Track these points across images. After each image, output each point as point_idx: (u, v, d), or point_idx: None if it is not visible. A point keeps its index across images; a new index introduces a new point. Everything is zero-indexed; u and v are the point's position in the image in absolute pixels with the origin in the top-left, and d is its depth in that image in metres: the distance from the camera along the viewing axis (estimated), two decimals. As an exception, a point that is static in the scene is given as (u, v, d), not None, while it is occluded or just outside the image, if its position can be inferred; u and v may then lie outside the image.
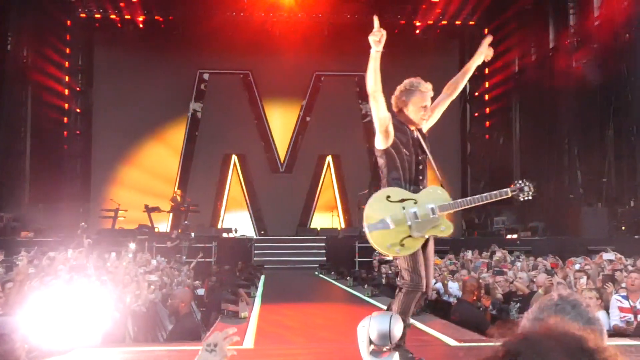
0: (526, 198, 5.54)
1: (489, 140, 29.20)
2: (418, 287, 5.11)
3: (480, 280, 10.05)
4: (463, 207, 5.51)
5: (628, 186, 21.21)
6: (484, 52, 5.59)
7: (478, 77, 29.34)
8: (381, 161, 5.22)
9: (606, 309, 7.81)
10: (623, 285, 8.26)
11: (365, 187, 25.85)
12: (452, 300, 10.61)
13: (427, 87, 5.45)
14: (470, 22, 28.72)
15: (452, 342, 6.45)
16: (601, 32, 22.59)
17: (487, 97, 29.29)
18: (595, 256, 13.39)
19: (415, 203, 5.12)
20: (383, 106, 5.08)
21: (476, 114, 29.52)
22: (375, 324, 4.70)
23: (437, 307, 10.20)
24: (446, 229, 5.25)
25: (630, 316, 7.57)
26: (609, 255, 13.44)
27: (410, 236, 5.04)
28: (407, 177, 5.17)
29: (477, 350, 5.78)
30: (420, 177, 5.23)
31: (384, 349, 4.66)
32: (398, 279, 5.33)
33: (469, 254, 16.41)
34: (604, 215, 21.14)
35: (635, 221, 20.54)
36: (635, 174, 20.99)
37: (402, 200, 5.09)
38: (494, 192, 5.47)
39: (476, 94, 29.45)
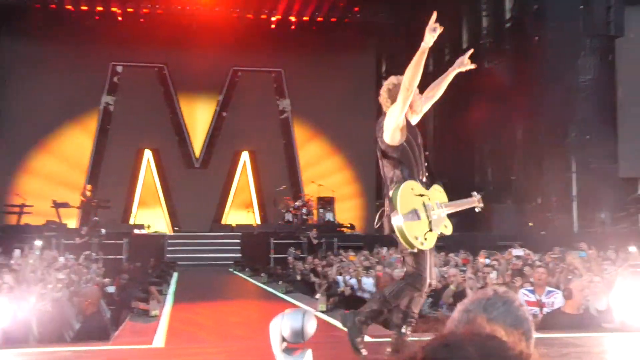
0: (478, 210, 5.65)
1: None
2: (420, 286, 5.11)
3: (395, 276, 10.13)
4: (453, 210, 5.46)
5: (536, 184, 21.92)
6: (462, 64, 5.63)
7: (394, 74, 29.78)
8: (394, 156, 5.17)
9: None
10: (532, 280, 8.48)
11: (281, 183, 25.84)
12: (367, 296, 10.65)
13: None
14: (388, 21, 29.03)
15: (366, 338, 6.44)
16: (512, 34, 23.27)
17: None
18: (505, 252, 13.75)
19: (429, 199, 5.14)
20: (408, 105, 5.04)
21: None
22: (288, 321, 4.60)
23: (351, 303, 10.20)
24: (449, 227, 5.26)
25: (536, 309, 7.78)
26: (518, 251, 13.84)
27: (430, 230, 5.05)
28: (417, 172, 5.19)
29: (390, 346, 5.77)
30: (427, 174, 5.26)
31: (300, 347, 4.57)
32: (404, 268, 5.33)
33: (384, 250, 16.56)
34: (512, 212, 21.78)
35: (542, 218, 21.25)
36: (543, 173, 21.72)
37: (421, 195, 5.10)
38: (463, 199, 5.63)
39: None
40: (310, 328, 4.59)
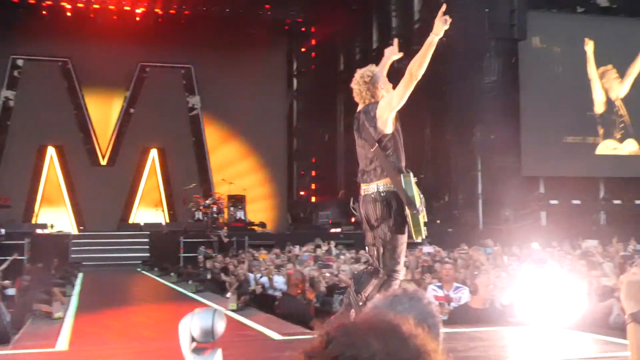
0: None
1: (315, 136, 29.74)
2: (397, 278, 5.18)
3: (306, 274, 10.11)
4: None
5: (444, 182, 22.42)
6: (393, 52, 5.79)
7: (305, 73, 29.84)
8: (388, 145, 5.25)
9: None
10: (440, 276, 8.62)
11: (191, 181, 25.44)
12: (278, 294, 10.59)
13: None
14: (299, 19, 29.04)
15: (276, 336, 6.40)
16: (421, 34, 23.70)
17: (313, 94, 29.81)
18: (415, 249, 13.97)
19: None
20: (411, 91, 5.08)
21: (303, 110, 29.96)
22: (198, 321, 4.47)
23: (262, 302, 10.13)
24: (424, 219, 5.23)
25: (444, 304, 7.93)
26: (428, 248, 14.10)
27: (425, 221, 5.14)
28: (404, 160, 5.31)
29: (300, 343, 5.72)
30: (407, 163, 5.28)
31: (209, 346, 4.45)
32: (378, 263, 5.21)
33: (296, 249, 16.56)
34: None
35: (449, 215, 21.75)
36: (450, 171, 22.25)
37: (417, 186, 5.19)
38: None
39: (303, 90, 29.90)
40: (220, 327, 4.49)
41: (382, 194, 5.18)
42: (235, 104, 27.33)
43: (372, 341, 1.13)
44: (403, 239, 5.15)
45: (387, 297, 1.93)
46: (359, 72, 5.57)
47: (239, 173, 27.03)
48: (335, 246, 17.03)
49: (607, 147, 24.19)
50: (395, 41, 5.95)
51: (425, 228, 5.13)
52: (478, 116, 21.29)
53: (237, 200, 24.64)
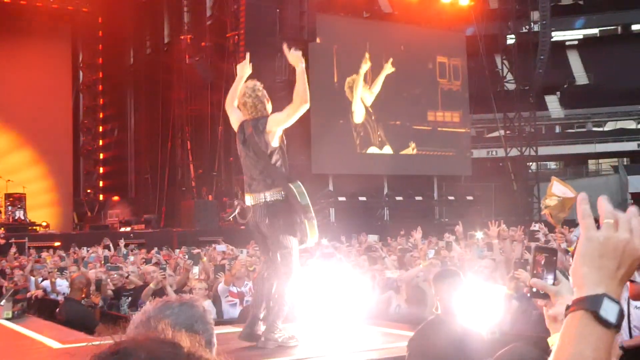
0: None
1: (104, 131, 28.55)
2: (294, 279, 5.57)
3: (92, 277, 9.61)
4: None
5: (236, 180, 22.49)
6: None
7: (91, 65, 28.52)
8: (276, 157, 5.59)
9: (215, 297, 8.03)
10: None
11: None
12: (60, 298, 9.97)
13: None
14: (84, 9, 27.65)
15: (56, 345, 5.97)
16: (212, 31, 23.59)
17: (101, 87, 28.58)
18: (208, 247, 13.85)
19: None
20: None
21: (89, 105, 28.60)
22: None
23: (43, 308, 9.47)
24: None
25: (237, 301, 7.92)
26: (221, 247, 14.07)
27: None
28: (289, 171, 5.72)
29: (83, 350, 5.39)
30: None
31: None
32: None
33: (83, 250, 15.72)
34: (214, 207, 22.09)
35: (241, 212, 21.81)
36: (240, 168, 22.35)
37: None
38: None
39: (89, 83, 28.54)
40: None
41: (269, 203, 5.53)
42: (15, 98, 25.39)
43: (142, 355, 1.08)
44: (294, 243, 5.52)
45: (158, 303, 1.90)
46: (249, 84, 5.88)
47: (17, 170, 25.13)
48: (126, 246, 16.42)
49: (369, 150, 25.57)
50: (247, 55, 6.26)
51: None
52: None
53: (16, 199, 22.93)
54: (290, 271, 5.54)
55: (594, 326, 1.15)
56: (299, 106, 5.48)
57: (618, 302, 1.17)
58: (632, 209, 1.24)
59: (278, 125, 5.58)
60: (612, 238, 1.20)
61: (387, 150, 26.03)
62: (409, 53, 26.21)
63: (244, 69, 6.05)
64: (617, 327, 1.16)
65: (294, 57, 5.52)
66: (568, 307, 1.20)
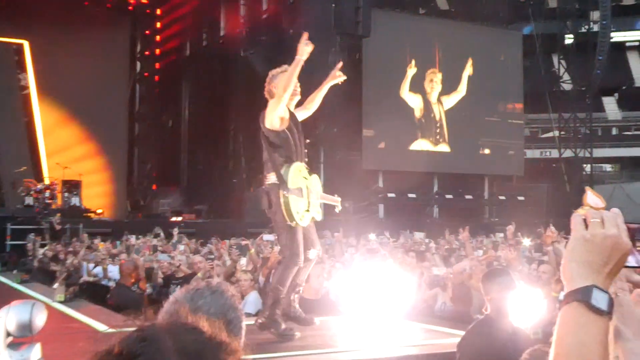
0: (338, 210, 6.39)
1: (158, 122, 29.02)
2: (296, 263, 5.56)
3: (141, 263, 9.81)
4: (324, 201, 6.12)
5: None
6: (334, 77, 6.24)
7: (149, 57, 29.00)
8: (275, 141, 5.64)
9: (260, 289, 8.10)
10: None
11: (21, 164, 23.99)
12: (112, 284, 10.21)
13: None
14: (143, 1, 28.16)
15: (102, 327, 6.13)
16: (269, 25, 23.73)
17: (157, 78, 29.04)
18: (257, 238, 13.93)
19: (310, 184, 5.71)
20: (286, 101, 5.65)
21: (146, 95, 29.09)
22: (14, 314, 4.19)
23: (95, 292, 9.71)
24: (320, 214, 5.84)
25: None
26: (268, 237, 14.11)
27: (307, 211, 5.59)
28: (297, 157, 5.67)
29: (118, 335, 5.50)
30: (306, 159, 5.78)
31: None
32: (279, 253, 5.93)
33: (132, 238, 16.01)
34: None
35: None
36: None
37: (305, 178, 5.67)
38: (328, 195, 6.29)
39: (146, 74, 29.02)
40: (40, 321, 4.21)
41: (266, 188, 5.63)
42: (74, 85, 25.99)
43: (168, 346, 1.09)
44: (289, 229, 5.53)
45: (189, 290, 1.92)
46: (271, 71, 6.02)
47: (75, 157, 25.76)
48: (177, 235, 16.66)
49: (421, 146, 25.49)
50: (339, 64, 6.47)
51: (304, 216, 5.57)
52: (322, 110, 21.56)
53: (72, 186, 23.46)
54: (288, 257, 5.59)
55: (588, 315, 1.21)
56: (278, 99, 5.61)
57: (607, 292, 1.24)
58: (615, 209, 1.35)
59: (269, 113, 5.67)
60: (599, 235, 1.28)
61: (440, 148, 25.87)
62: (457, 50, 25.97)
63: (333, 78, 6.23)
64: (609, 314, 1.23)
65: (303, 49, 5.65)
66: (561, 302, 1.26)
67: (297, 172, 5.59)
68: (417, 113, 25.37)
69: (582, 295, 1.23)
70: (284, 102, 5.58)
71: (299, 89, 5.89)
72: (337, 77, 6.24)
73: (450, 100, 26.07)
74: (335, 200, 6.28)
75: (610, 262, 1.27)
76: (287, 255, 5.63)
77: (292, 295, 5.77)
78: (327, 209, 6.59)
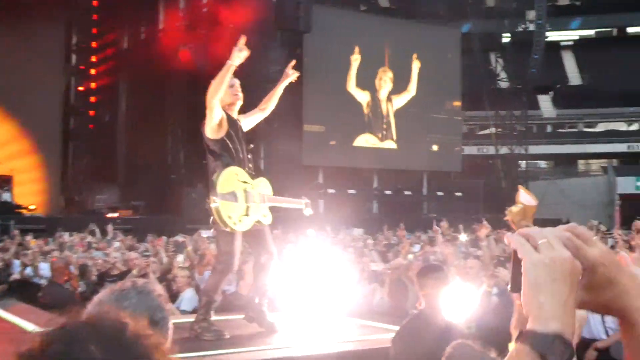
0: (308, 214, 6.19)
1: (94, 116, 28.39)
2: (229, 269, 5.59)
3: (74, 260, 9.58)
4: (277, 204, 6.00)
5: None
6: (287, 75, 6.25)
7: (85, 49, 28.33)
8: (215, 149, 5.58)
9: (197, 287, 8.00)
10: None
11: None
12: (43, 282, 9.93)
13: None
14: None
15: (32, 327, 5.93)
16: (208, 19, 23.49)
17: (93, 71, 28.39)
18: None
19: (253, 188, 5.60)
20: (219, 110, 5.48)
21: (81, 88, 28.39)
22: None
23: (26, 291, 9.42)
24: (268, 217, 5.72)
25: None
26: (207, 233, 13.96)
27: (246, 215, 5.48)
28: (238, 164, 5.59)
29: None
30: (250, 164, 5.72)
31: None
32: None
33: (66, 235, 15.62)
34: (203, 195, 21.99)
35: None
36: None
37: (245, 182, 5.56)
38: (292, 199, 6.34)
39: (82, 67, 28.32)
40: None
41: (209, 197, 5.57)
42: (5, 79, 25.15)
43: (92, 347, 1.05)
44: (226, 234, 5.48)
45: (114, 291, 1.87)
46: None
47: (7, 152, 24.99)
48: (112, 231, 16.34)
49: (366, 140, 25.75)
50: (292, 62, 6.45)
51: (241, 220, 5.45)
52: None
53: (3, 181, 22.77)
54: (222, 263, 5.58)
55: None
56: (209, 105, 5.49)
57: (570, 345, 1.08)
58: (548, 228, 1.15)
59: (207, 122, 5.58)
60: (557, 258, 1.11)
61: (386, 144, 26.12)
62: (403, 48, 26.26)
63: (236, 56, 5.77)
64: None
65: (236, 54, 5.48)
66: (520, 334, 1.11)
67: (231, 177, 5.49)
68: (365, 109, 25.61)
69: (539, 345, 1.07)
70: (217, 109, 5.44)
71: (240, 94, 5.77)
72: (290, 75, 6.23)
73: (400, 100, 26.41)
74: (299, 203, 6.18)
75: (574, 289, 1.11)
76: (222, 261, 5.60)
77: (261, 300, 5.74)
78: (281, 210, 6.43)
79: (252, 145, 5.84)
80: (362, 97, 25.70)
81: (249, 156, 5.78)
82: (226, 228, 5.38)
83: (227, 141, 5.57)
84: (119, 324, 1.11)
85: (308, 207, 6.16)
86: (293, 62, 6.38)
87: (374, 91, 25.86)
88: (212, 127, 5.55)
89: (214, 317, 5.51)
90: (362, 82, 25.50)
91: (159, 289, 2.02)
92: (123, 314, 1.17)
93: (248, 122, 6.04)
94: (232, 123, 5.63)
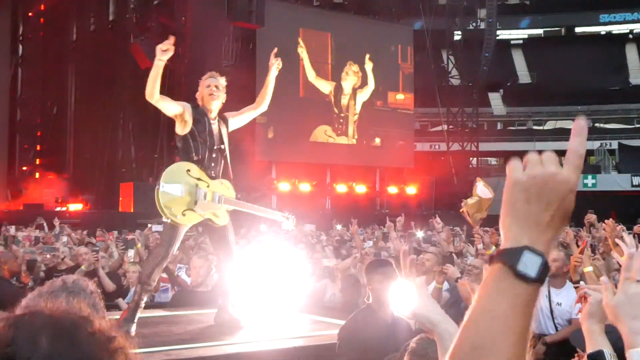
0: (289, 228, 6.45)
1: (42, 108, 27.80)
2: (164, 258, 5.55)
3: (20, 255, 9.35)
4: (240, 208, 6.02)
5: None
6: (272, 65, 6.20)
7: (32, 40, 27.72)
8: (178, 145, 5.69)
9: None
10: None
11: None
12: (-12, 278, 9.67)
13: (211, 76, 5.90)
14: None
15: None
16: (160, 11, 23.18)
17: (41, 62, 27.77)
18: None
19: (208, 186, 5.60)
20: (170, 105, 5.58)
21: (28, 79, 27.76)
22: None
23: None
24: (222, 219, 5.69)
25: (168, 285, 7.83)
26: (157, 227, 13.79)
27: (191, 210, 5.48)
28: (198, 163, 5.60)
29: None
30: (213, 165, 5.69)
31: None
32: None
33: (12, 229, 15.26)
34: (153, 190, 21.73)
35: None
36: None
37: (199, 179, 5.55)
38: (269, 209, 6.41)
39: (29, 57, 27.70)
40: None
41: None
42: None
43: (42, 337, 1.03)
44: (167, 224, 5.56)
45: (42, 293, 1.84)
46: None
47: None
48: (59, 225, 16.02)
49: (324, 132, 25.84)
50: (274, 50, 6.32)
51: (183, 215, 5.46)
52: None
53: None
54: (158, 251, 5.64)
55: (511, 281, 1.05)
56: (151, 101, 5.52)
57: (542, 255, 1.06)
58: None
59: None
60: (537, 176, 1.08)
61: (340, 140, 26.20)
62: (357, 44, 26.38)
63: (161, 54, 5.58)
64: (538, 281, 1.05)
65: (160, 52, 5.43)
66: (490, 257, 1.09)
67: (180, 171, 5.54)
68: (328, 98, 25.82)
69: (508, 258, 1.05)
70: (163, 105, 5.54)
71: (216, 93, 5.74)
72: (274, 63, 6.20)
73: (363, 95, 26.61)
74: (279, 217, 6.31)
75: (551, 208, 1.07)
76: (158, 249, 5.67)
77: (226, 301, 5.81)
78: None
79: (223, 146, 5.79)
80: (325, 87, 25.80)
81: (214, 155, 5.72)
82: (164, 218, 5.49)
83: (190, 138, 5.61)
84: (79, 320, 1.08)
85: (289, 222, 6.29)
86: (275, 50, 6.34)
87: (338, 83, 26.11)
88: (178, 123, 5.65)
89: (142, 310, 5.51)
90: (325, 74, 25.77)
91: (92, 286, 1.96)
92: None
93: (238, 120, 6.10)
94: (199, 121, 5.64)
